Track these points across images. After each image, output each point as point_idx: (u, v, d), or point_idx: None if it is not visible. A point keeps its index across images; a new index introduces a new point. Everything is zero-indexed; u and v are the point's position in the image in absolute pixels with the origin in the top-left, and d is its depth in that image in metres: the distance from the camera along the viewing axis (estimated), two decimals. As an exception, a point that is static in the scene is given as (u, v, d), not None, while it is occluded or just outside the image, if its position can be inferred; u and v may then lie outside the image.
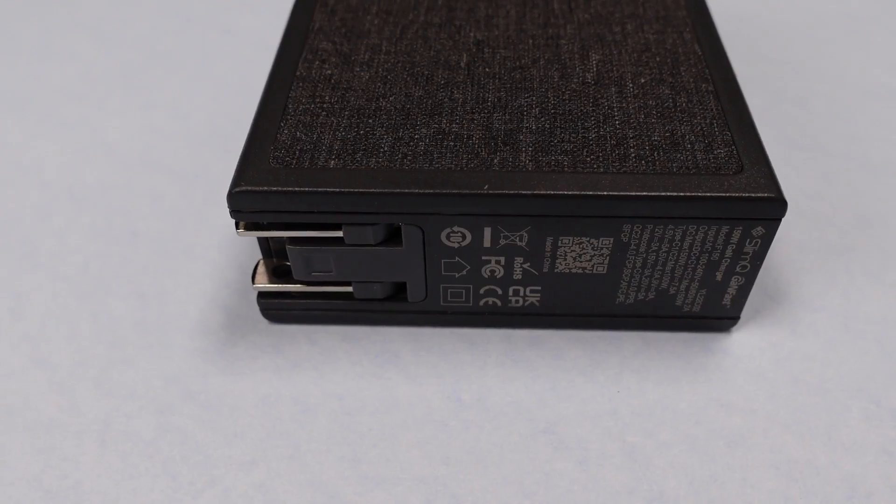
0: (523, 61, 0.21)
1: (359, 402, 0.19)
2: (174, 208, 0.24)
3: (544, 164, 0.18)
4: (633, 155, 0.18)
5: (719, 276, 0.19)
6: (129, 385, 0.20)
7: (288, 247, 0.19)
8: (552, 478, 0.18)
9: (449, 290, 0.20)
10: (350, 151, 0.18)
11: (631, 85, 0.20)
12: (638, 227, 0.18)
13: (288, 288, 0.20)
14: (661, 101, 0.20)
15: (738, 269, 0.19)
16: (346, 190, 0.18)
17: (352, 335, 0.21)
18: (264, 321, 0.21)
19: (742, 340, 0.21)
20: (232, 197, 0.18)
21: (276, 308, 0.21)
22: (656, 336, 0.21)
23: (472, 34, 0.22)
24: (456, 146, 0.18)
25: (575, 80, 0.20)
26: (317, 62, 0.21)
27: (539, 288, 0.20)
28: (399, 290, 0.20)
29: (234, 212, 0.18)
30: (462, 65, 0.21)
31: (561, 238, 0.18)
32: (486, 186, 0.18)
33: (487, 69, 0.21)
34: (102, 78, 0.30)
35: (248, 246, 0.23)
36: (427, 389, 0.20)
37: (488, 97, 0.20)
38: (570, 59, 0.21)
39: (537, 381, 0.20)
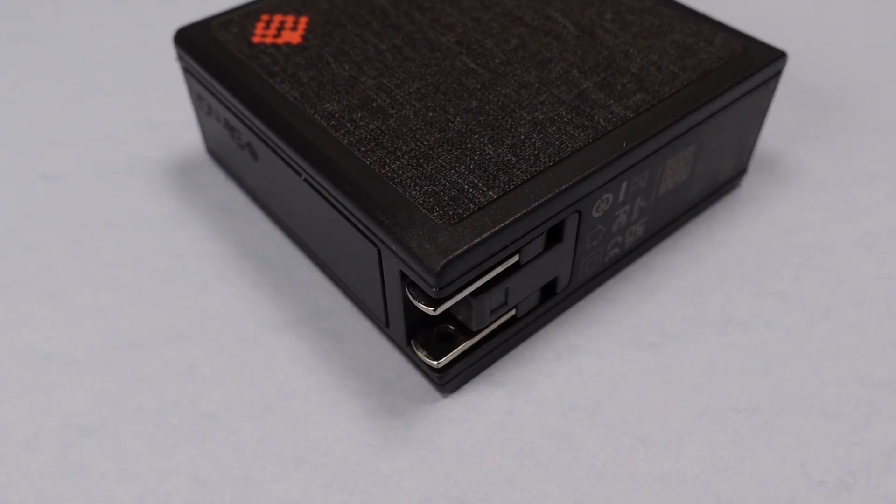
0: (513, 42, 0.22)
1: (591, 401, 0.19)
2: (215, 367, 0.20)
3: (637, 107, 0.20)
4: (675, 70, 0.21)
5: (745, 138, 0.23)
6: (396, 539, 0.17)
7: (473, 300, 0.18)
8: (763, 351, 0.20)
9: (587, 262, 0.21)
10: (490, 175, 0.18)
11: (606, 24, 0.22)
12: (712, 122, 0.21)
13: (468, 345, 0.19)
14: (640, 25, 0.22)
15: (754, 126, 0.23)
16: (530, 208, 0.17)
17: (519, 358, 0.20)
18: (437, 398, 0.19)
19: (755, 183, 0.25)
20: (440, 274, 0.16)
21: (453, 376, 0.19)
22: (706, 215, 0.24)
23: (442, 38, 0.22)
24: (559, 128, 0.19)
25: (568, 38, 0.22)
26: (347, 123, 0.19)
27: (645, 218, 0.21)
28: (545, 291, 0.20)
29: (442, 287, 0.16)
30: (473, 66, 0.21)
31: (667, 162, 0.20)
32: (623, 143, 0.19)
33: (496, 60, 0.21)
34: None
35: (335, 349, 0.20)
36: (624, 353, 0.20)
37: (528, 80, 0.20)
38: (542, 24, 0.22)
39: (680, 294, 0.22)
